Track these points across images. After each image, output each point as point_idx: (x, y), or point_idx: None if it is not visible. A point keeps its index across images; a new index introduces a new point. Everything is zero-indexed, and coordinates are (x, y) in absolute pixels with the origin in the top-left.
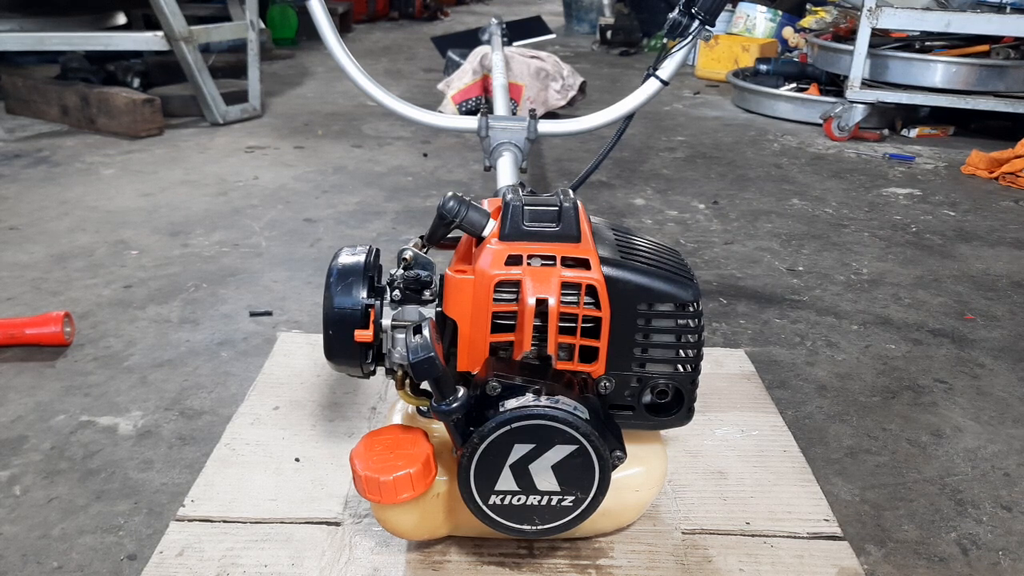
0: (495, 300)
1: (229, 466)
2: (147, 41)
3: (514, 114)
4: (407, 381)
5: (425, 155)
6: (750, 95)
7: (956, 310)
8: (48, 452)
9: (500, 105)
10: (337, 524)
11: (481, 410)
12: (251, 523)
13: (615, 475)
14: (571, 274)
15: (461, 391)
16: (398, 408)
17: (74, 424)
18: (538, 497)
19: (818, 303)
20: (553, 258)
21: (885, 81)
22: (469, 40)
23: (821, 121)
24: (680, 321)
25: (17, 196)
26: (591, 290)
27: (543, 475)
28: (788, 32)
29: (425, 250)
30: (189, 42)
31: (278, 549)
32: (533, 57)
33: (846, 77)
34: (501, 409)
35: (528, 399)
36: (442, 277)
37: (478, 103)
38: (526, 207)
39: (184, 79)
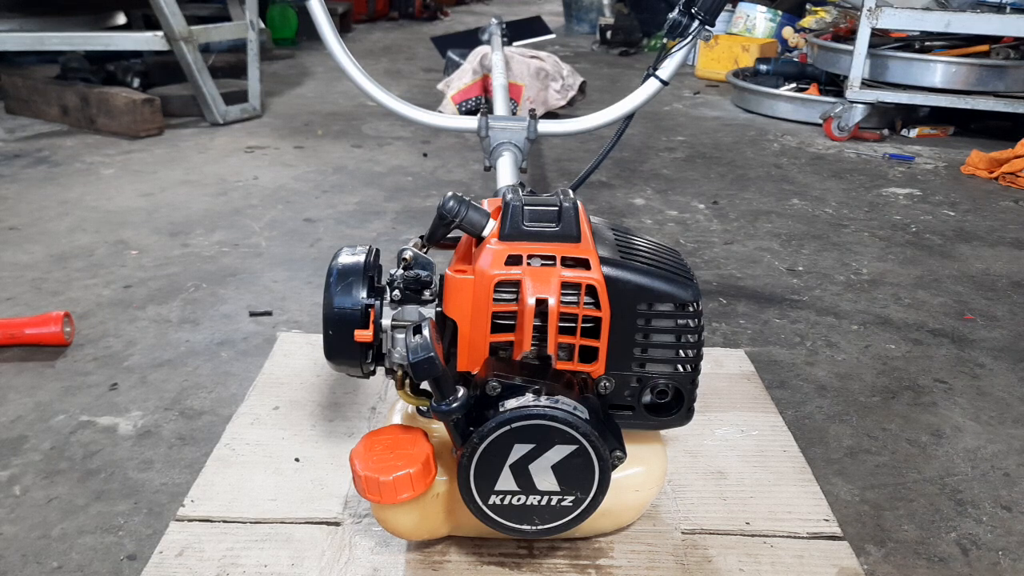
0: (495, 300)
1: (229, 466)
2: (147, 41)
3: (514, 114)
4: (407, 381)
5: (425, 155)
6: (750, 95)
7: (956, 310)
8: (48, 452)
9: (500, 105)
10: (337, 524)
11: (481, 410)
12: (251, 523)
13: (615, 475)
14: (571, 274)
15: (461, 391)
16: (398, 408)
17: (74, 424)
18: (538, 497)
19: (818, 303)
20: (553, 258)
21: (885, 81)
22: (469, 40)
23: (821, 121)
24: (680, 321)
25: (17, 196)
26: (591, 290)
27: (543, 475)
28: (788, 32)
29: (425, 250)
30: (189, 42)
31: (278, 549)
32: (533, 57)
33: (846, 77)
34: (501, 409)
35: (528, 399)
36: (442, 277)
37: (478, 103)
38: (526, 207)
39: (184, 79)
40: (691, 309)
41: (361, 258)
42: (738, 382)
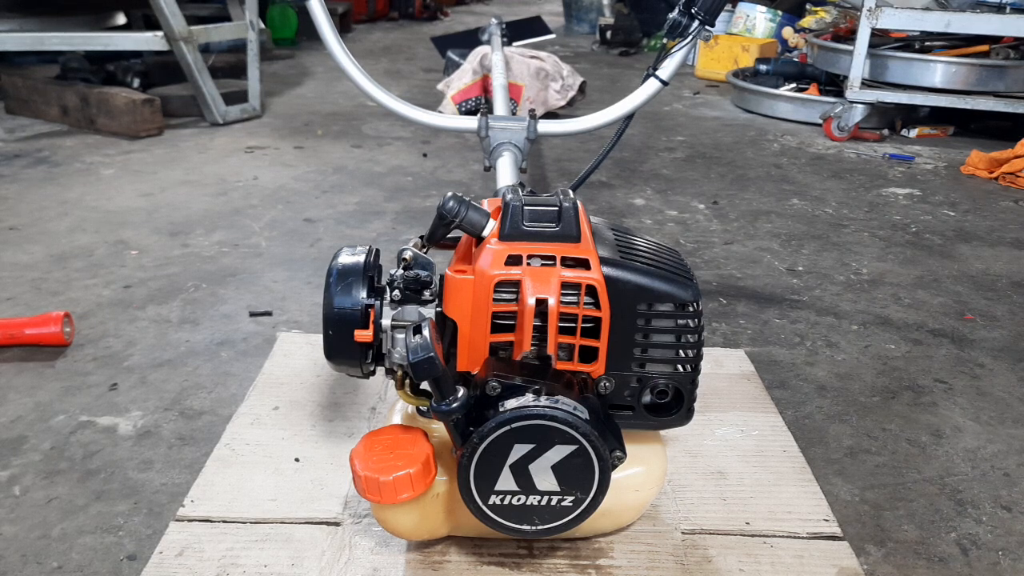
0: (495, 300)
1: (229, 466)
2: (147, 41)
3: (514, 114)
4: (407, 381)
5: (425, 155)
6: (750, 95)
7: (956, 310)
8: (48, 452)
9: (500, 105)
10: (337, 524)
11: (481, 410)
12: (251, 523)
13: (615, 475)
14: (571, 274)
15: (461, 391)
16: (398, 408)
17: (74, 424)
18: (538, 497)
19: (818, 303)
20: (553, 258)
21: (885, 81)
22: (469, 40)
23: (821, 121)
24: (680, 321)
25: (17, 196)
26: (591, 290)
27: (543, 475)
28: (788, 32)
29: (425, 250)
30: (189, 42)
31: (278, 549)
32: (533, 57)
33: (846, 77)
34: (501, 409)
35: (528, 399)
36: (442, 277)
37: (478, 103)
38: (526, 207)
39: (184, 79)
40: (691, 309)
41: (361, 258)
42: (738, 382)
